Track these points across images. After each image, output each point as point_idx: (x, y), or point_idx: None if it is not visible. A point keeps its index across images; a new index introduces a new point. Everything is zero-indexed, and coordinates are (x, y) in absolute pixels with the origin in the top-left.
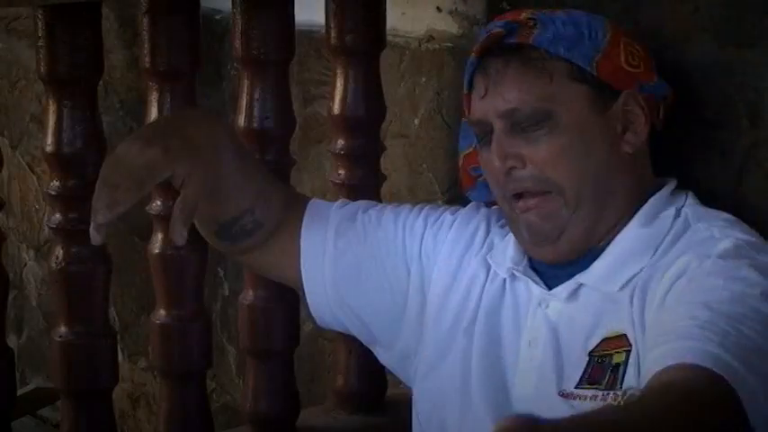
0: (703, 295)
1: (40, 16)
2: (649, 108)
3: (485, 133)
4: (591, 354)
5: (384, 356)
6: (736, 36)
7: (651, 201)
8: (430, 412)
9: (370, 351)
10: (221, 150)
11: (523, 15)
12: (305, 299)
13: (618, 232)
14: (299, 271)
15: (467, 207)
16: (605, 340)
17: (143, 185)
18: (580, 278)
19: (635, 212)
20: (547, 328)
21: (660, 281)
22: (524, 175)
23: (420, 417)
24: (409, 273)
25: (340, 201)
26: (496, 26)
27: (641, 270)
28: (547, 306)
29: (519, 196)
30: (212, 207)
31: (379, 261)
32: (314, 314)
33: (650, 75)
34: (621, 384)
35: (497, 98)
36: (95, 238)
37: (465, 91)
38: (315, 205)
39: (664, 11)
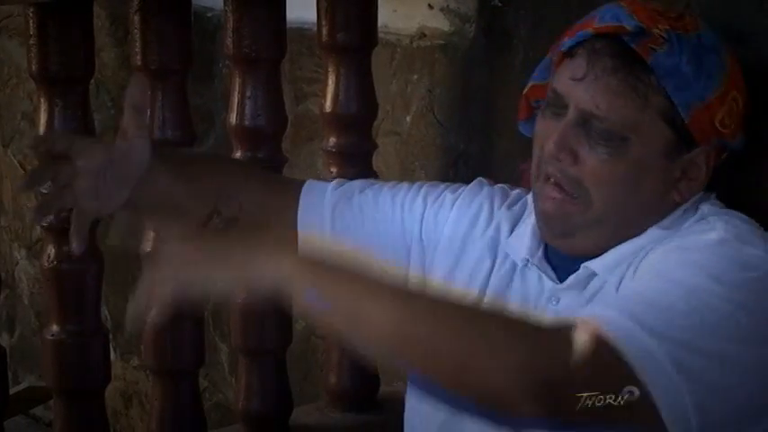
0: (653, 271)
1: (31, 14)
2: (715, 157)
3: (557, 106)
4: None
5: None
6: (728, 32)
7: (675, 212)
8: (426, 410)
9: None
10: (152, 176)
11: (662, 26)
12: None
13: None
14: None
15: (469, 186)
16: None
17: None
18: (591, 264)
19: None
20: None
21: (645, 259)
22: (567, 170)
23: (414, 414)
24: (409, 253)
25: (336, 181)
26: (629, 21)
27: (640, 256)
28: (557, 302)
29: (548, 180)
30: (176, 221)
31: (378, 242)
32: None
33: (736, 134)
34: None
35: (588, 94)
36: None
37: (563, 49)
38: (310, 187)
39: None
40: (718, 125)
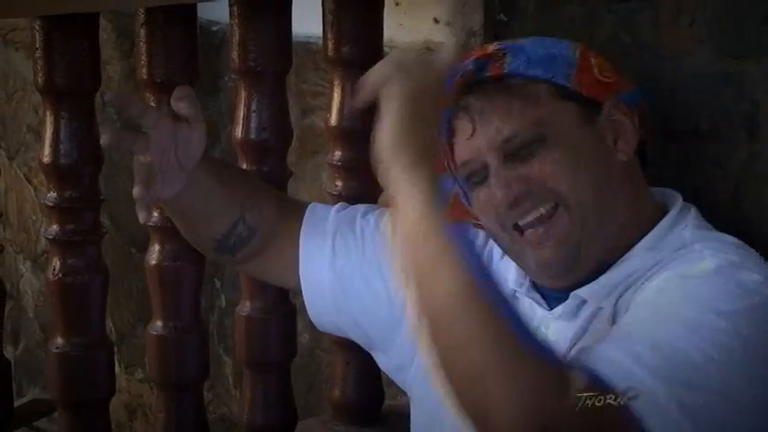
0: (652, 306)
1: (37, 27)
2: (627, 111)
3: (475, 174)
4: None
5: (383, 361)
6: (734, 48)
7: (659, 226)
8: (427, 423)
9: (367, 362)
10: (195, 173)
11: (491, 49)
12: (304, 303)
13: (623, 255)
14: (298, 278)
15: None
16: None
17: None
18: (580, 292)
19: (641, 233)
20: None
21: (640, 290)
22: (528, 199)
23: (417, 428)
24: None
25: (339, 204)
26: (465, 66)
27: (633, 287)
28: (548, 328)
29: (521, 231)
30: (205, 227)
31: (377, 267)
32: (313, 319)
33: (625, 84)
34: None
35: (489, 131)
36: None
37: (444, 143)
38: (314, 209)
39: (661, 24)
40: (600, 77)
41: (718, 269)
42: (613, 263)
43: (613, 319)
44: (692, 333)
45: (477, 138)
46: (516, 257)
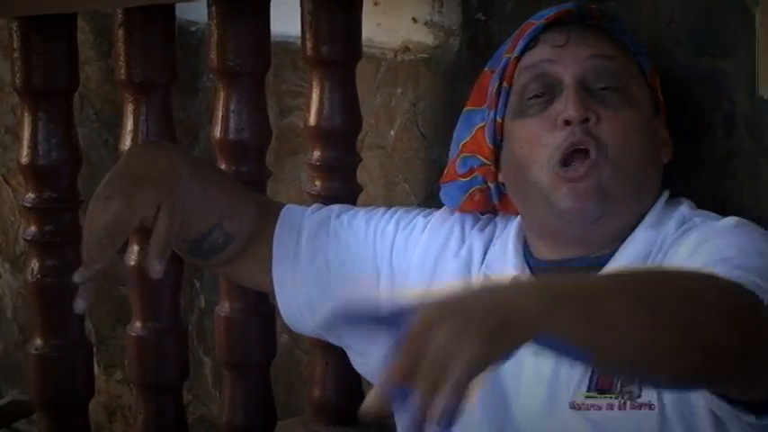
0: (719, 253)
1: (15, 28)
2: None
3: (543, 89)
4: None
5: (358, 363)
6: (712, 47)
7: (656, 207)
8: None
9: (347, 363)
10: (180, 178)
11: (594, 7)
12: (276, 303)
13: (626, 237)
14: (271, 276)
15: (440, 210)
16: None
17: (114, 240)
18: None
19: (639, 218)
20: None
21: (673, 257)
22: (591, 135)
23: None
24: (379, 278)
25: (314, 205)
26: (567, 5)
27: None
28: None
29: (564, 164)
30: (180, 228)
31: (350, 266)
32: (286, 319)
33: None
34: (640, 389)
35: (580, 47)
36: (79, 304)
37: (516, 55)
38: (288, 210)
39: (639, 22)
40: (660, 94)
41: (738, 222)
42: (615, 247)
43: None
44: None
45: (567, 48)
46: (544, 200)
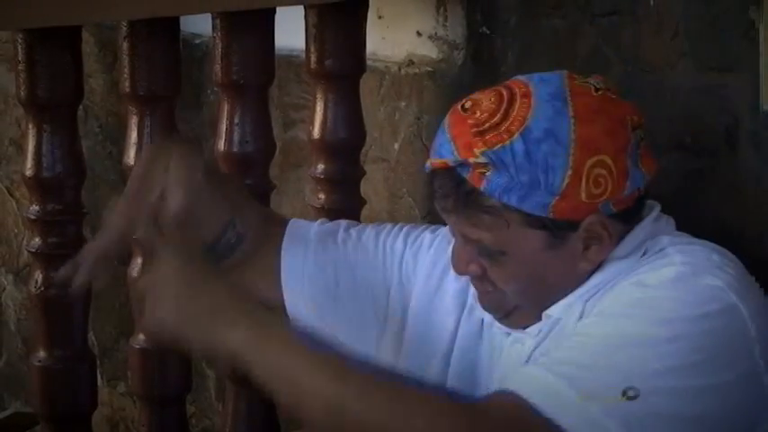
0: (557, 348)
1: (20, 40)
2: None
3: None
4: None
5: None
6: (715, 61)
7: (633, 233)
8: None
9: None
10: (197, 183)
11: (476, 152)
12: (286, 316)
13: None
14: (280, 289)
15: (447, 227)
16: None
17: (122, 238)
18: (550, 311)
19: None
20: (521, 364)
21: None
22: (477, 280)
23: None
24: (389, 293)
25: (321, 220)
26: (447, 155)
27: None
28: (523, 344)
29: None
30: (196, 232)
31: (359, 281)
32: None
33: (619, 186)
34: None
35: (456, 224)
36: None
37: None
38: (295, 224)
39: (643, 36)
40: (586, 199)
41: (679, 276)
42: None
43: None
44: (637, 347)
45: (448, 216)
46: None
